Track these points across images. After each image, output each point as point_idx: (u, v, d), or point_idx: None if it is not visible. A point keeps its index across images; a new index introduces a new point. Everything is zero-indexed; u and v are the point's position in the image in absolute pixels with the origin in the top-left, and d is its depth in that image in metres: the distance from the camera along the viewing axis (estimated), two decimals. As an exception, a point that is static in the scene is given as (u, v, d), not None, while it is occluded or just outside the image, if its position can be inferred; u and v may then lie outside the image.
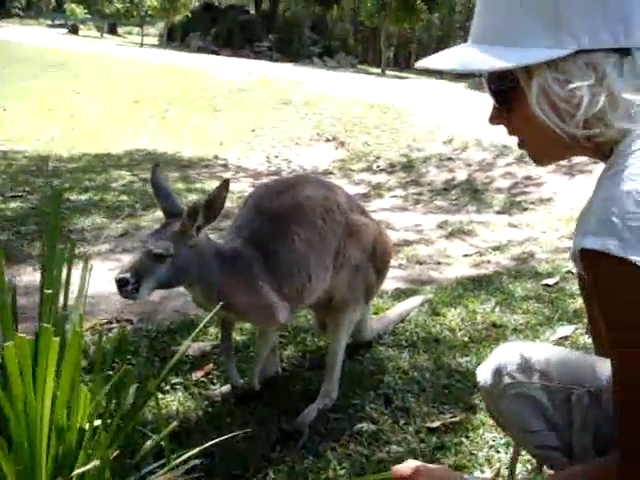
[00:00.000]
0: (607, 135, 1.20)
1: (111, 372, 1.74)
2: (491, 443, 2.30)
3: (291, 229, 2.41)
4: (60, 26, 45.31)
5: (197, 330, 1.79)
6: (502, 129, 1.34)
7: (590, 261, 1.11)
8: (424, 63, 1.29)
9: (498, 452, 2.25)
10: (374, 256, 2.57)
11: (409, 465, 1.43)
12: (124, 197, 6.19)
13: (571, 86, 1.17)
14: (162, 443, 1.71)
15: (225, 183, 2.17)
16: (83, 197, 6.09)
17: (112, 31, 45.15)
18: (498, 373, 1.63)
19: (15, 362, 1.30)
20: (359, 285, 2.55)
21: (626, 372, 1.15)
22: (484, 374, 1.68)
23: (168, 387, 2.61)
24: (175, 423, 1.70)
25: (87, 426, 1.48)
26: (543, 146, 1.30)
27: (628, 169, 1.10)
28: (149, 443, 1.76)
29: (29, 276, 3.97)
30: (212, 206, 2.17)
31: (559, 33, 1.17)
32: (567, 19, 1.17)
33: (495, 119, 1.32)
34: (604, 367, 1.56)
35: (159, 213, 5.62)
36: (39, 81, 15.39)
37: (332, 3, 37.82)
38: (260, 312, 2.42)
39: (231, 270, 2.34)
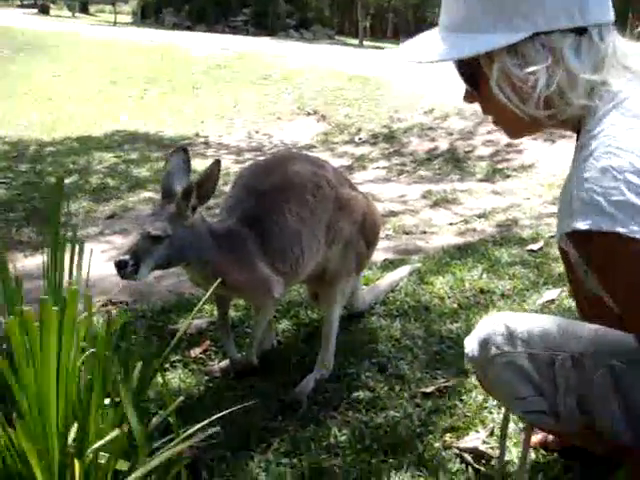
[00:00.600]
0: (568, 112, 1.26)
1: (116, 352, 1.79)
2: (484, 405, 2.37)
3: (282, 206, 2.45)
4: (30, 6, 44.44)
5: (197, 308, 1.85)
6: None
7: (582, 241, 1.17)
8: (396, 56, 1.38)
9: (491, 413, 2.33)
10: (364, 228, 2.62)
11: None
12: (109, 179, 6.19)
13: (528, 70, 1.22)
14: (169, 419, 1.77)
15: (216, 163, 2.22)
16: (67, 181, 6.06)
17: (84, 10, 44.37)
18: (484, 344, 1.70)
19: (19, 337, 1.35)
20: (351, 257, 2.61)
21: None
22: (471, 345, 1.75)
23: (167, 365, 2.66)
24: (181, 398, 1.75)
25: (97, 403, 1.53)
26: (512, 123, 1.37)
27: (599, 148, 1.16)
28: (156, 419, 1.82)
29: (19, 262, 3.99)
30: (205, 186, 2.22)
31: (514, 18, 1.23)
32: (521, 3, 1.23)
33: (467, 98, 1.40)
34: (585, 332, 1.64)
35: (145, 194, 5.71)
36: (12, 64, 15.18)
37: (306, -26, 37.36)
38: (255, 287, 2.48)
39: (225, 248, 2.39)
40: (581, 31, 1.23)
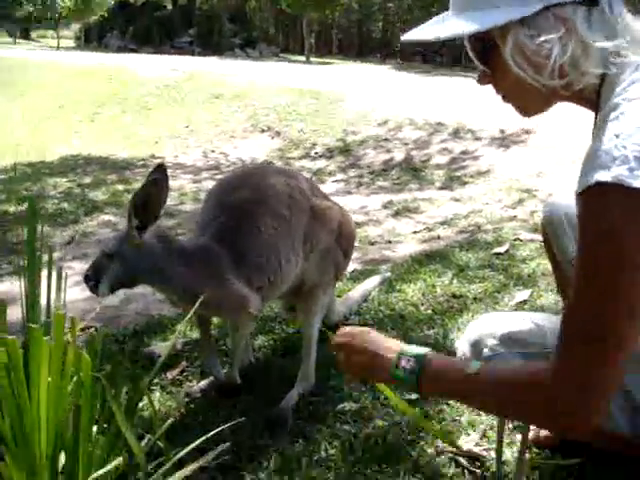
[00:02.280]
0: (584, 82, 1.26)
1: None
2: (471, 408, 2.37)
3: (256, 220, 2.41)
4: (-32, 34, 43.58)
5: (180, 326, 1.80)
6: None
7: (597, 197, 1.13)
8: (409, 36, 1.35)
9: (479, 415, 2.31)
10: (340, 237, 2.60)
11: (344, 333, 1.55)
12: (65, 204, 6.04)
13: (541, 39, 1.23)
14: (158, 442, 1.71)
15: (151, 183, 2.14)
16: (23, 207, 5.91)
17: (25, 36, 43.76)
18: (476, 345, 1.68)
19: (5, 367, 1.29)
20: (329, 268, 2.58)
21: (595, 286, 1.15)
22: (463, 347, 1.73)
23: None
24: (171, 420, 1.70)
25: (87, 431, 1.47)
26: (525, 99, 1.37)
27: (633, 109, 1.15)
28: (144, 443, 1.75)
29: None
30: (140, 206, 2.16)
31: None
32: None
33: (482, 80, 1.39)
34: None
35: (103, 217, 5.59)
36: (-46, 92, 14.82)
37: (250, -7, 37.58)
38: (230, 305, 2.42)
39: (195, 266, 2.33)
40: (592, 3, 1.24)
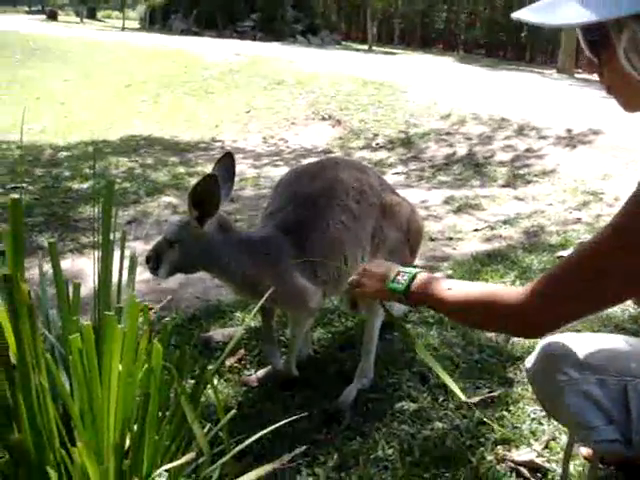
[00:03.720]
0: None
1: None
2: (533, 416, 2.31)
3: (325, 213, 2.37)
4: (38, 12, 44.66)
5: (240, 313, 1.78)
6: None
7: None
8: (520, 15, 1.28)
9: (541, 424, 2.26)
10: (409, 234, 2.56)
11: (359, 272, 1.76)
12: (126, 184, 6.12)
13: None
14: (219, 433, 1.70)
15: (208, 179, 2.11)
16: (85, 185, 6.02)
17: (91, 16, 44.56)
18: (549, 369, 1.59)
19: (79, 352, 1.29)
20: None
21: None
22: (534, 369, 1.64)
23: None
24: (233, 412, 1.69)
25: (154, 419, 1.47)
26: (631, 95, 1.29)
27: None
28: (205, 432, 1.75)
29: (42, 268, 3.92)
30: (198, 201, 2.16)
31: None
32: None
33: (587, 68, 1.33)
34: None
35: (164, 199, 5.64)
36: (24, 69, 15.19)
37: (314, -20, 37.40)
38: (290, 299, 2.39)
39: (258, 258, 2.31)
40: None
